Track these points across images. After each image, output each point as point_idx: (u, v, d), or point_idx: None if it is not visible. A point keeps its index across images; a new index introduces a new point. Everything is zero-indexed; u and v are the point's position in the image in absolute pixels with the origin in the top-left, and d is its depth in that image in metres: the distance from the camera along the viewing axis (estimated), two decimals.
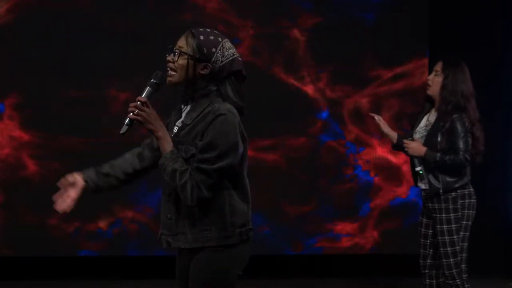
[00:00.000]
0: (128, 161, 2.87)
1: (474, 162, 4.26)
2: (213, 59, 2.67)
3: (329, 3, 6.21)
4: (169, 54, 2.72)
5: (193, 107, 2.71)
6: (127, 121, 2.65)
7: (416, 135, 4.35)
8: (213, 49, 2.67)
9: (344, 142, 6.24)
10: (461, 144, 4.13)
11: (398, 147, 4.43)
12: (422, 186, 4.30)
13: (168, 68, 2.72)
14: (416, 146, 4.25)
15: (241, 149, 2.66)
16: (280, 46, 6.13)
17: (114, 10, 5.96)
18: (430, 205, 4.28)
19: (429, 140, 4.24)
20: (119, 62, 5.90)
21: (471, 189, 4.25)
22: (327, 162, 6.20)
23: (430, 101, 4.36)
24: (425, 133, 4.30)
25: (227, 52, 2.70)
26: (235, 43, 5.71)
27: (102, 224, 5.96)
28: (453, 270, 4.20)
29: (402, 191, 6.17)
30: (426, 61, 6.16)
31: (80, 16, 5.89)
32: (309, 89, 6.17)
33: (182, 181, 2.60)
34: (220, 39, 2.71)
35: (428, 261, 4.35)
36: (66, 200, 2.75)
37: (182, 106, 2.78)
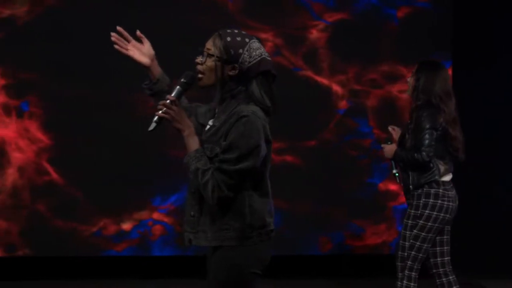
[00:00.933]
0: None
1: (457, 159, 4.34)
2: (240, 60, 2.70)
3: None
4: (198, 56, 2.77)
5: (223, 109, 2.76)
6: (155, 118, 2.69)
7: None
8: (240, 50, 2.70)
9: (366, 142, 6.24)
10: (423, 141, 4.16)
11: None
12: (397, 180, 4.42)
13: (197, 71, 2.76)
14: (389, 148, 4.32)
15: (263, 152, 2.67)
16: (302, 44, 6.13)
17: (138, 11, 5.99)
18: (408, 200, 4.36)
19: (401, 140, 4.32)
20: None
21: (440, 190, 4.22)
22: (348, 162, 6.21)
23: None
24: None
25: (254, 53, 2.72)
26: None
27: (126, 225, 6.01)
28: (398, 263, 4.30)
29: None
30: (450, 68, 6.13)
31: (104, 15, 5.94)
32: (332, 88, 6.18)
33: (204, 179, 2.64)
34: (247, 39, 2.74)
35: (438, 259, 4.35)
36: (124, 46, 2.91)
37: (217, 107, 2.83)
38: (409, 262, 4.22)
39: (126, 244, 6.02)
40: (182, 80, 2.75)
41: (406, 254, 4.24)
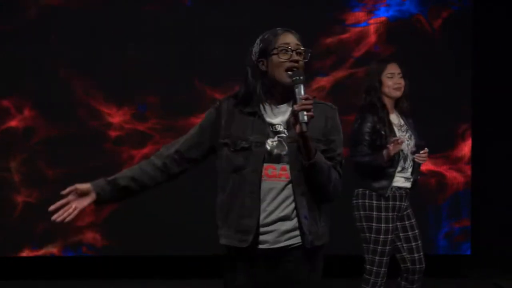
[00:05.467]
0: (148, 174, 2.70)
1: None
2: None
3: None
4: (297, 54, 2.65)
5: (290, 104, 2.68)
6: (305, 118, 2.50)
7: (408, 142, 4.27)
8: None
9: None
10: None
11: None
12: (407, 185, 4.23)
13: (294, 68, 2.64)
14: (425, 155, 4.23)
15: None
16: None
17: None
18: (404, 204, 4.23)
19: (418, 142, 4.28)
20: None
21: None
22: None
23: (379, 101, 4.25)
24: (405, 134, 4.26)
25: None
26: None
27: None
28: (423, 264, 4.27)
29: None
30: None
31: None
32: None
33: (333, 177, 2.65)
34: None
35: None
36: (70, 210, 2.55)
37: (277, 106, 2.71)
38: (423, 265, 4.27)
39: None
40: (300, 77, 2.58)
41: (422, 255, 4.23)
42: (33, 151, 5.94)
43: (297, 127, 2.50)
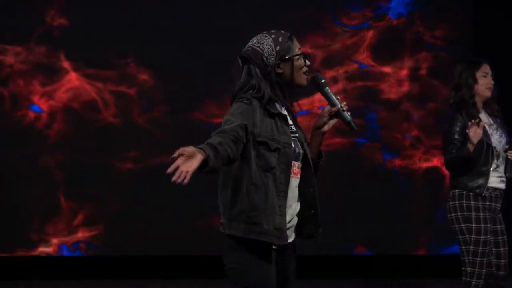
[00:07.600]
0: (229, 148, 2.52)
1: None
2: None
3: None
4: (307, 59, 2.84)
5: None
6: (350, 118, 2.82)
7: (500, 139, 4.18)
8: None
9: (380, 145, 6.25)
10: None
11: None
12: (502, 186, 4.15)
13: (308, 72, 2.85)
14: None
15: None
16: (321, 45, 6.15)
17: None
18: (498, 205, 4.14)
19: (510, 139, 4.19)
20: None
21: None
22: (365, 165, 6.20)
23: (471, 98, 4.16)
24: (496, 132, 4.17)
25: None
26: None
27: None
28: (507, 271, 4.16)
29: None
30: None
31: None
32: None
33: None
34: None
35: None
36: (183, 175, 2.32)
37: (282, 106, 2.82)
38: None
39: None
40: (324, 81, 2.85)
41: (507, 261, 4.12)
42: (34, 149, 5.95)
43: (326, 126, 2.82)
